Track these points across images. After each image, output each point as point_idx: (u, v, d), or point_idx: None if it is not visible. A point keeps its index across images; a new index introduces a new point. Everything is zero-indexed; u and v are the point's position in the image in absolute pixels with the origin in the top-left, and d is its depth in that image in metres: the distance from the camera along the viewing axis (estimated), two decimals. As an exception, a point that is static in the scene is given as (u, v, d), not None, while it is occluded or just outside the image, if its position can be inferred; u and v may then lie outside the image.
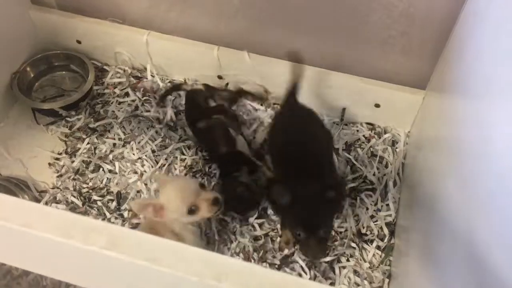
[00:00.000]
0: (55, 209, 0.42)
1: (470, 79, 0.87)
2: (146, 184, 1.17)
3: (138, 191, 1.16)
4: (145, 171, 1.20)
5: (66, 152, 1.25)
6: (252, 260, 1.07)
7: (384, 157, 1.23)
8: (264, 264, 1.07)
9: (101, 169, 1.20)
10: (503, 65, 0.71)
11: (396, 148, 1.25)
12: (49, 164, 1.23)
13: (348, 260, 1.08)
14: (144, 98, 1.33)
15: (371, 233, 1.12)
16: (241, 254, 1.08)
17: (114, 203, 1.14)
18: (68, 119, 1.30)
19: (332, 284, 1.05)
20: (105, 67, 1.40)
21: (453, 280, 0.75)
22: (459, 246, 0.76)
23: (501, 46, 0.74)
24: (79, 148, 1.24)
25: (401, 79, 1.19)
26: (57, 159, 1.24)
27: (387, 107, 1.23)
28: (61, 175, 1.20)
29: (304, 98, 1.27)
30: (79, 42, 1.37)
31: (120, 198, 1.15)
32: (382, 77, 1.19)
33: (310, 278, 1.05)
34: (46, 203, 1.15)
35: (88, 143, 1.25)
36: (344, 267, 1.07)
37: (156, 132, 1.26)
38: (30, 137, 1.28)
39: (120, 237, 0.39)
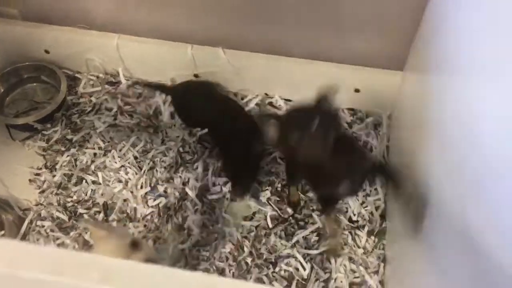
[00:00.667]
0: (41, 246, 0.41)
1: (448, 55, 0.87)
2: (132, 192, 1.15)
3: (124, 200, 1.14)
4: (129, 178, 1.17)
5: (46, 167, 1.21)
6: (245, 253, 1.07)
7: (368, 141, 1.23)
8: (260, 261, 1.06)
9: (84, 181, 1.18)
10: (482, 39, 0.71)
11: (379, 131, 1.25)
12: (30, 180, 1.20)
13: (342, 248, 1.09)
14: (124, 106, 1.30)
15: (362, 219, 1.12)
16: (234, 251, 1.07)
17: (102, 215, 1.12)
18: (44, 132, 1.26)
19: (329, 273, 1.06)
20: (77, 75, 1.36)
21: (447, 261, 0.75)
22: (450, 227, 0.76)
23: (479, 20, 0.74)
24: (59, 162, 1.21)
25: (378, 62, 1.18)
26: (37, 174, 1.21)
27: (367, 91, 1.22)
28: (43, 191, 1.17)
29: (283, 89, 1.27)
30: (47, 52, 1.32)
31: (107, 209, 1.13)
32: (359, 61, 1.18)
33: (307, 271, 1.05)
34: (31, 221, 1.13)
35: (67, 156, 1.22)
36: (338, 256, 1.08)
37: (137, 137, 1.24)
38: (6, 154, 1.24)
39: (113, 270, 0.37)
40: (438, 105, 0.92)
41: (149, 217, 1.12)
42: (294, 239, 1.09)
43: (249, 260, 1.07)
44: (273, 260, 1.07)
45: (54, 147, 1.24)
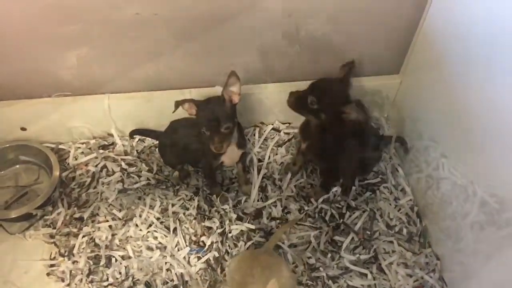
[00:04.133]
0: None
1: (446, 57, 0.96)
2: (173, 255, 1.07)
3: (168, 269, 1.06)
4: (160, 243, 1.09)
5: (61, 254, 1.09)
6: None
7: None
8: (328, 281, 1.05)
9: (113, 259, 1.08)
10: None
11: (383, 134, 1.29)
12: (48, 274, 1.07)
13: (391, 256, 1.10)
14: (129, 167, 1.21)
15: (400, 222, 1.14)
16: None
17: (148, 293, 1.03)
18: (46, 217, 1.14)
19: (388, 281, 1.06)
20: (60, 146, 1.24)
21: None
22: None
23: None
24: (75, 245, 1.10)
25: (376, 69, 1.21)
26: (53, 265, 1.08)
27: (367, 100, 1.24)
28: (69, 283, 1.05)
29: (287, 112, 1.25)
30: (23, 129, 1.19)
31: (150, 286, 1.04)
32: (358, 72, 1.20)
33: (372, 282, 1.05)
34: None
35: (83, 236, 1.11)
36: (391, 264, 1.08)
37: (152, 198, 1.16)
38: (7, 252, 1.11)
39: None
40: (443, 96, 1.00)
41: (198, 276, 1.05)
42: (343, 249, 1.09)
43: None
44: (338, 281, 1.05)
45: (63, 230, 1.12)
